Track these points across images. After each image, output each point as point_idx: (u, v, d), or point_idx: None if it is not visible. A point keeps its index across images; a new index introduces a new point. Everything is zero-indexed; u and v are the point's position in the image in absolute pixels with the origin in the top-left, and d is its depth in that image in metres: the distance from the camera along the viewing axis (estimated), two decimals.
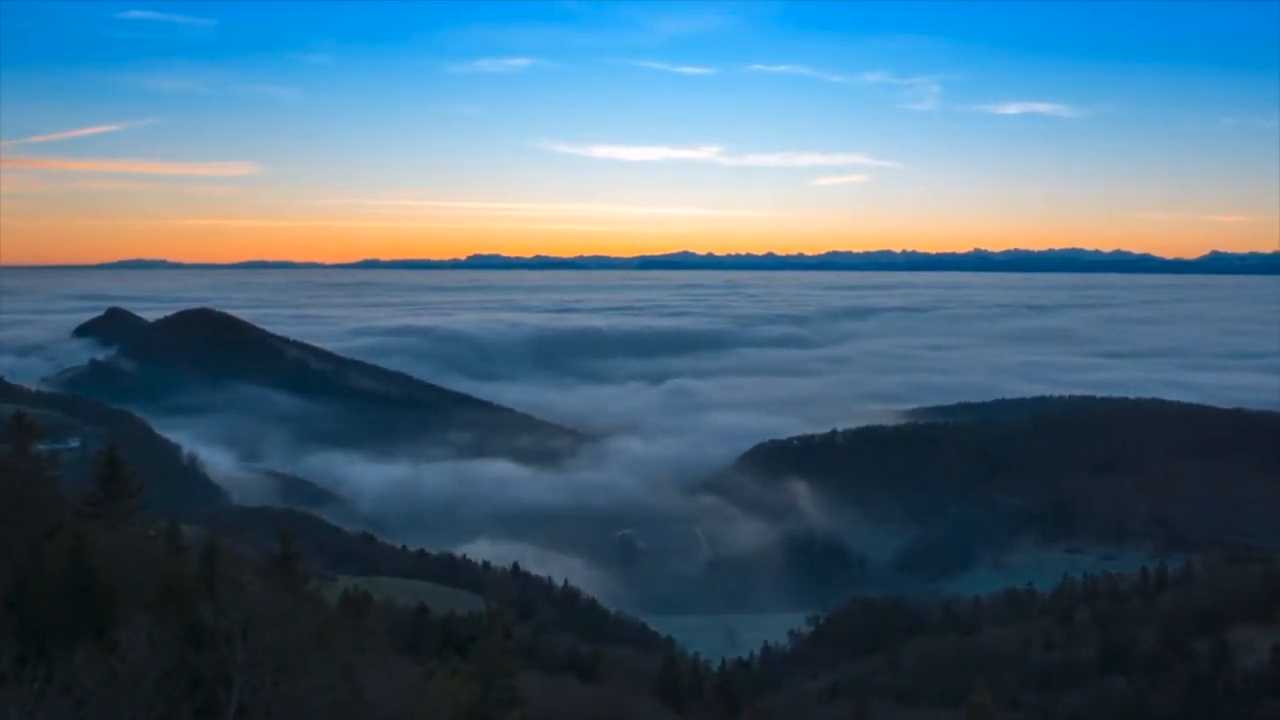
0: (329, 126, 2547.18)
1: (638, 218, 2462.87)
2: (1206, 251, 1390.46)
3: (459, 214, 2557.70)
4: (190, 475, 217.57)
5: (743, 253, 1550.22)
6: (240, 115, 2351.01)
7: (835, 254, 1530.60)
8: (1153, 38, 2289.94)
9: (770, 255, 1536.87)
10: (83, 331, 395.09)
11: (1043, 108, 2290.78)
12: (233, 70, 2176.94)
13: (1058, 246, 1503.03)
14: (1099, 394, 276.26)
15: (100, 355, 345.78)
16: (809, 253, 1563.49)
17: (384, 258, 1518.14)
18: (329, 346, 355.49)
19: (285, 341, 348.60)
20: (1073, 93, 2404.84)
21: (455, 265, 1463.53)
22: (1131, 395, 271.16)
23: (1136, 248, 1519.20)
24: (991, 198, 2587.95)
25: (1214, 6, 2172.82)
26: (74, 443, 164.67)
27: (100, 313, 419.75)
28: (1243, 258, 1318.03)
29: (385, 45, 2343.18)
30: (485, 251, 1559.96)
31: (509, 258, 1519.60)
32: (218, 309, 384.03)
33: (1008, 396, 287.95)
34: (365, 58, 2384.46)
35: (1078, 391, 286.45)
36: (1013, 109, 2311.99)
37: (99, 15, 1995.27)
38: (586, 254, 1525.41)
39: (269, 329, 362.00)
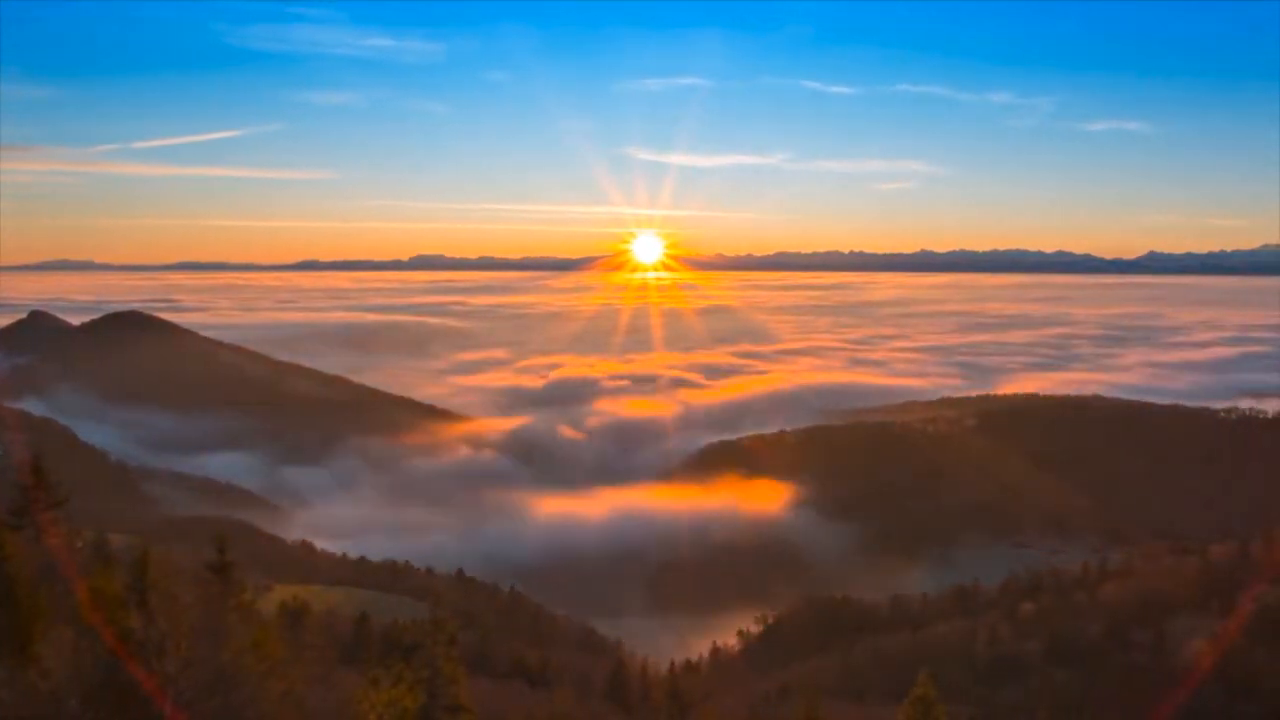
0: (467, 140, 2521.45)
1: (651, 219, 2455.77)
2: (1144, 252, 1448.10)
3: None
4: (118, 483, 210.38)
5: (690, 254, 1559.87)
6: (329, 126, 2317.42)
7: (783, 255, 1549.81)
8: (1117, 43, 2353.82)
9: (719, 256, 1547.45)
10: (1, 336, 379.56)
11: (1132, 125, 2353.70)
12: (403, 87, 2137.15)
13: (1001, 247, 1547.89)
14: (1042, 392, 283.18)
15: (21, 360, 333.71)
16: (757, 253, 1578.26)
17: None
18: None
19: (216, 344, 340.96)
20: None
21: (397, 265, 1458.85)
22: (1074, 393, 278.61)
23: (1079, 248, 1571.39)
24: (945, 200, 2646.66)
25: (1160, 10, 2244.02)
26: None
27: (22, 315, 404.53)
28: (1179, 258, 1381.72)
29: (568, 62, 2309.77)
30: (430, 252, 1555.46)
31: (452, 258, 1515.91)
32: (145, 311, 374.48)
33: (950, 395, 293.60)
34: (540, 77, 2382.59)
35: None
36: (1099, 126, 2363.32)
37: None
38: (533, 255, 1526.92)
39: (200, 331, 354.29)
